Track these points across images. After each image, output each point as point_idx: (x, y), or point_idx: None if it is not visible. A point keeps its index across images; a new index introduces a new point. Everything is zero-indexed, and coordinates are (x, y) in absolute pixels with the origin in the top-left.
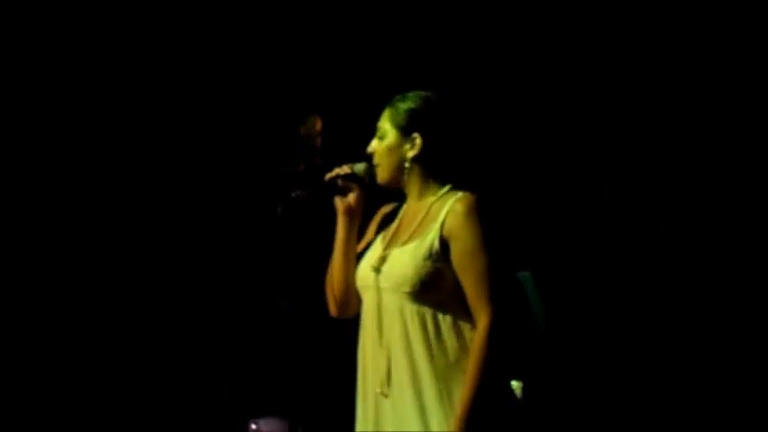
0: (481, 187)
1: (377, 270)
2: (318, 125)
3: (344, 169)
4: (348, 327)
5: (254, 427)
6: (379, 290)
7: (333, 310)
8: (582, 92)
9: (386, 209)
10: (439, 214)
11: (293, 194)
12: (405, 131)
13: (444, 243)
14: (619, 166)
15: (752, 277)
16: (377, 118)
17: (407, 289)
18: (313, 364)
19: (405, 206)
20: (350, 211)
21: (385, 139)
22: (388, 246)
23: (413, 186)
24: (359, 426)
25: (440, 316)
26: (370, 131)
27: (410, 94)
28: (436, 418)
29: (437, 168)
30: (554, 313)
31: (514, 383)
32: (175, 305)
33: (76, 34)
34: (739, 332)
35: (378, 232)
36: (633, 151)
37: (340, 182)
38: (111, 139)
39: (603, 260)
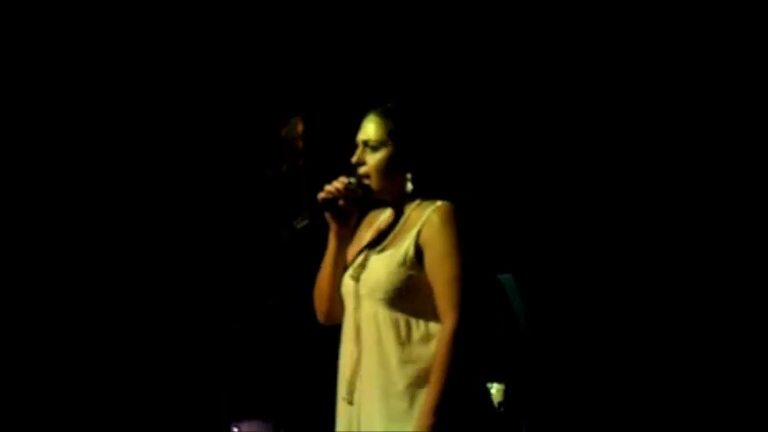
0: (464, 191)
1: (356, 278)
2: (300, 127)
3: (342, 184)
4: (332, 329)
5: (235, 429)
6: (357, 297)
7: (320, 317)
8: (581, 92)
9: (374, 215)
10: (417, 222)
11: (297, 225)
12: (404, 143)
13: (419, 250)
14: (609, 168)
15: (744, 282)
16: (359, 119)
17: (381, 295)
18: (295, 366)
19: (383, 213)
20: (346, 226)
21: (382, 151)
22: (366, 253)
23: (399, 194)
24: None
25: (413, 324)
26: (352, 133)
27: (395, 104)
28: (402, 425)
29: (421, 176)
30: (537, 315)
31: (496, 385)
32: (162, 307)
33: (65, 39)
34: (730, 334)
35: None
36: (625, 151)
37: (342, 203)
38: (93, 143)
39: (590, 261)
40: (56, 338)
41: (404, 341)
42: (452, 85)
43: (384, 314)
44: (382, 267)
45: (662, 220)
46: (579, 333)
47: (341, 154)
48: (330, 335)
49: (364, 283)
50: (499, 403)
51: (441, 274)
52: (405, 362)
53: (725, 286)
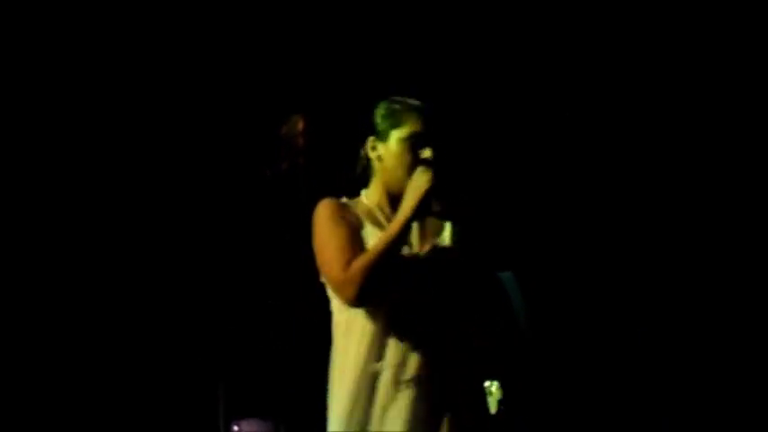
0: (466, 188)
1: (430, 272)
2: (300, 125)
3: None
4: (330, 328)
5: (236, 428)
6: (429, 292)
7: (370, 301)
8: (581, 92)
9: (348, 205)
10: (441, 233)
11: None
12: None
13: None
14: (609, 168)
15: (744, 282)
16: (360, 117)
17: (452, 295)
18: (295, 365)
19: (357, 204)
20: None
21: None
22: (420, 248)
23: None
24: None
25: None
26: (353, 131)
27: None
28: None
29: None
30: (537, 314)
31: (496, 383)
32: (162, 306)
33: (65, 39)
34: (730, 334)
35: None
36: (625, 151)
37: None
38: (94, 142)
39: (590, 260)
40: (56, 337)
41: (462, 338)
42: (452, 83)
43: (451, 314)
44: (451, 269)
45: (662, 220)
46: (579, 333)
47: (341, 152)
48: (329, 333)
49: (437, 279)
50: (499, 401)
51: None
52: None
53: (724, 286)
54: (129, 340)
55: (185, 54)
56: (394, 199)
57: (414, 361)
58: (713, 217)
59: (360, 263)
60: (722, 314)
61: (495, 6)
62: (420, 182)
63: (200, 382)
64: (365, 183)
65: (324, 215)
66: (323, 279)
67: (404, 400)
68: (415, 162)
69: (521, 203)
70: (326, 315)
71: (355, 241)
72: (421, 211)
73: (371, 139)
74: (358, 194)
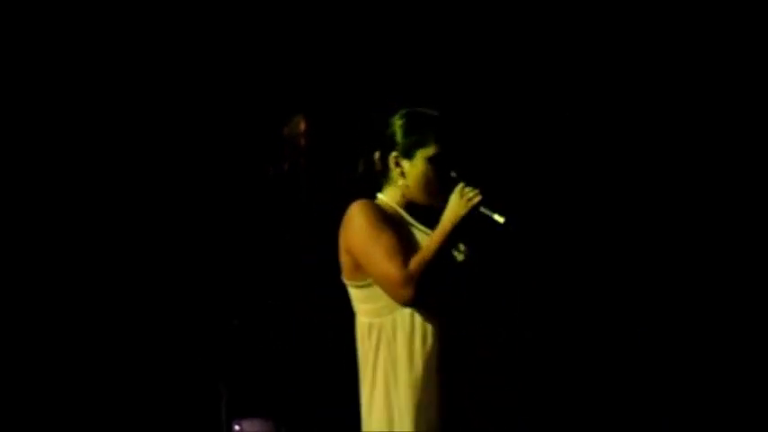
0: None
1: (466, 275)
2: (302, 125)
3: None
4: (331, 328)
5: (237, 427)
6: (464, 294)
7: (419, 296)
8: (581, 92)
9: (378, 207)
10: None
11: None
12: None
13: None
14: (609, 168)
15: (744, 281)
16: (362, 118)
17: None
18: (296, 364)
19: (386, 206)
20: None
21: None
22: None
23: None
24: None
25: None
26: (354, 132)
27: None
28: None
29: None
30: (537, 314)
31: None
32: (163, 306)
33: (65, 39)
34: (730, 334)
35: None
36: (625, 152)
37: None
38: (96, 141)
39: (590, 260)
40: (56, 337)
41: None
42: (453, 84)
43: None
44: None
45: (662, 220)
46: (579, 332)
47: (343, 153)
48: (329, 332)
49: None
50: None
51: None
52: None
53: (724, 286)
54: (130, 340)
55: (188, 53)
56: (413, 204)
57: (461, 358)
58: (713, 217)
59: (417, 261)
60: (722, 314)
61: (495, 7)
62: (470, 195)
63: (202, 382)
64: (372, 184)
65: (365, 216)
66: (347, 282)
67: (461, 396)
68: (443, 180)
69: (520, 203)
70: (326, 315)
71: (404, 241)
72: (467, 222)
73: (394, 155)
74: (362, 196)
